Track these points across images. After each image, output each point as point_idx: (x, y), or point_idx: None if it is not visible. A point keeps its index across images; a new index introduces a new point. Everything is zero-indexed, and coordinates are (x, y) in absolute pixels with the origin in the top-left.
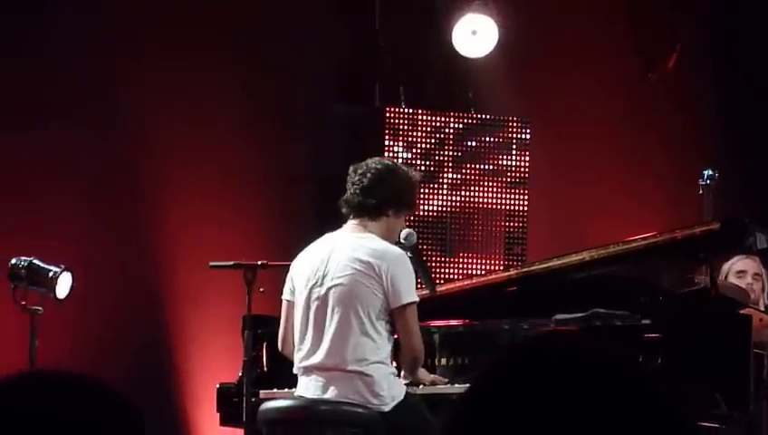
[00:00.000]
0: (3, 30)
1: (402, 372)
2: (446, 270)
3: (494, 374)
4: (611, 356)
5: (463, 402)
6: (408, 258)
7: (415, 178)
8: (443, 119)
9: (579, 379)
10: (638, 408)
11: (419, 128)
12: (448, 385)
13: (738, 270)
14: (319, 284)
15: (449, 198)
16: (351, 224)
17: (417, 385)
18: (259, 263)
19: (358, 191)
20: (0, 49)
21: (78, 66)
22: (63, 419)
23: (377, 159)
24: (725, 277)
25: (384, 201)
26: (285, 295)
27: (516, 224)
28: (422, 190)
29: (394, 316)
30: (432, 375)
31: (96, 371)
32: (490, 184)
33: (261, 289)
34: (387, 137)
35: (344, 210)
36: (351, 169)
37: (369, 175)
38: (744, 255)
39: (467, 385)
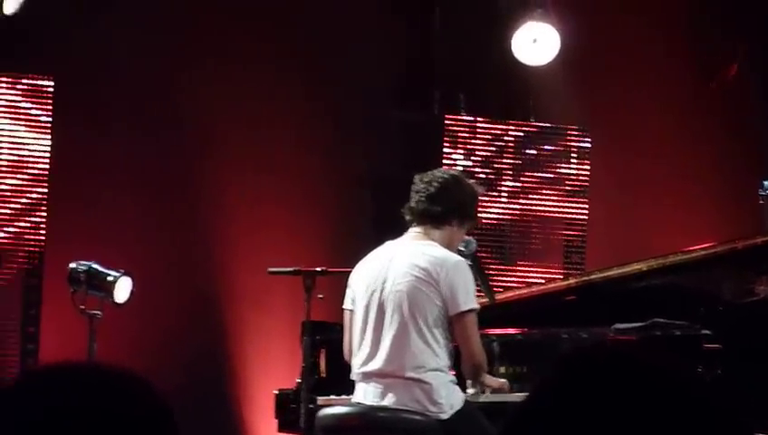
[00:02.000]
0: (65, 37)
1: (467, 381)
2: (505, 278)
3: (551, 383)
4: (670, 367)
5: (519, 412)
6: (468, 266)
7: (479, 191)
8: (502, 127)
9: (636, 389)
10: (697, 420)
11: (479, 136)
12: (507, 394)
13: None
14: (378, 290)
15: (508, 206)
16: (414, 231)
17: (484, 391)
18: (318, 269)
19: (423, 199)
20: (62, 56)
21: (139, 72)
22: (88, 412)
23: (443, 169)
24: None
25: (448, 210)
26: (346, 305)
27: (575, 233)
28: (481, 198)
29: (453, 324)
30: (499, 380)
31: (154, 375)
32: (549, 193)
33: (320, 295)
34: (446, 144)
35: (407, 218)
36: (417, 177)
37: (435, 184)
38: None
39: (525, 394)
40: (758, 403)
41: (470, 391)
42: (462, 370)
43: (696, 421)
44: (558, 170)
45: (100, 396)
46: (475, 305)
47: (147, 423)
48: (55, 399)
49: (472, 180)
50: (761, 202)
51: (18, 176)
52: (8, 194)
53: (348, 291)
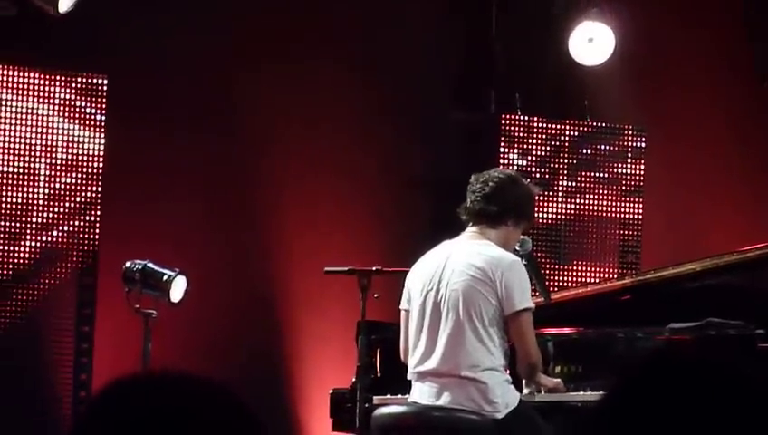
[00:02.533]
0: (119, 35)
1: (523, 382)
2: (560, 278)
3: (626, 388)
4: (747, 371)
5: (593, 415)
6: (523, 265)
7: (534, 192)
8: (558, 126)
9: (713, 394)
10: None
11: (535, 135)
12: (563, 393)
13: None
14: (434, 289)
15: (564, 205)
16: (470, 231)
17: (539, 390)
18: (374, 268)
19: (479, 198)
20: (116, 54)
21: (194, 70)
22: (187, 421)
23: (499, 169)
24: None
25: (505, 210)
26: (403, 305)
27: (631, 232)
28: (537, 198)
29: (508, 323)
30: (555, 380)
31: (209, 374)
32: (605, 192)
33: (375, 295)
34: (502, 144)
35: (464, 217)
36: (473, 177)
37: (491, 183)
38: None
39: (580, 393)
40: None
41: (525, 390)
42: (517, 369)
43: None
44: (613, 170)
45: (192, 405)
46: (531, 305)
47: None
48: (146, 409)
49: (528, 180)
50: None
51: (73, 174)
52: (62, 193)
53: (404, 291)
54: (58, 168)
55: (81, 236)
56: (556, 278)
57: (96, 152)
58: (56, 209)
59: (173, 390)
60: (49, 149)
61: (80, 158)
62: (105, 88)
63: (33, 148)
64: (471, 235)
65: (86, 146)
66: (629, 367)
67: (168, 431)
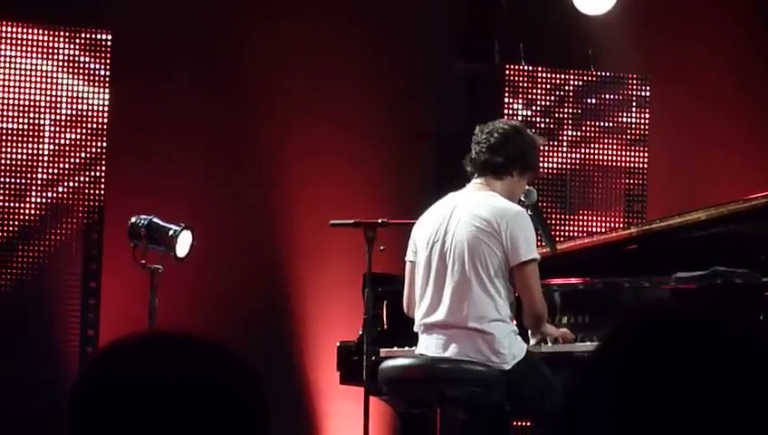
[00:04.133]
0: None
1: (529, 332)
2: (566, 228)
3: (617, 342)
4: (742, 327)
5: (584, 369)
6: (529, 216)
7: (539, 142)
8: (562, 76)
9: (704, 350)
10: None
11: (539, 85)
12: (569, 344)
13: None
14: (440, 241)
15: (569, 155)
16: (475, 183)
17: (546, 341)
18: (379, 221)
19: (484, 150)
20: (120, 9)
21: (198, 24)
22: (181, 381)
23: (503, 119)
24: None
25: (510, 160)
26: (408, 257)
27: (636, 181)
28: (542, 148)
29: (513, 274)
30: (560, 330)
31: (215, 329)
32: (610, 141)
33: (381, 247)
34: (506, 94)
35: (468, 169)
36: (478, 128)
37: (495, 134)
38: None
39: (588, 343)
40: None
41: (532, 341)
42: (523, 320)
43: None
44: (618, 119)
45: (193, 366)
46: (536, 256)
47: (239, 396)
48: (146, 369)
49: (532, 130)
50: None
51: (77, 130)
52: (68, 148)
53: (410, 243)
54: (63, 124)
55: (86, 191)
56: (562, 228)
57: (101, 108)
58: (61, 165)
59: (171, 351)
60: (53, 105)
61: (84, 113)
62: (109, 43)
63: (37, 104)
64: (476, 186)
65: (91, 101)
66: (622, 322)
67: (166, 394)
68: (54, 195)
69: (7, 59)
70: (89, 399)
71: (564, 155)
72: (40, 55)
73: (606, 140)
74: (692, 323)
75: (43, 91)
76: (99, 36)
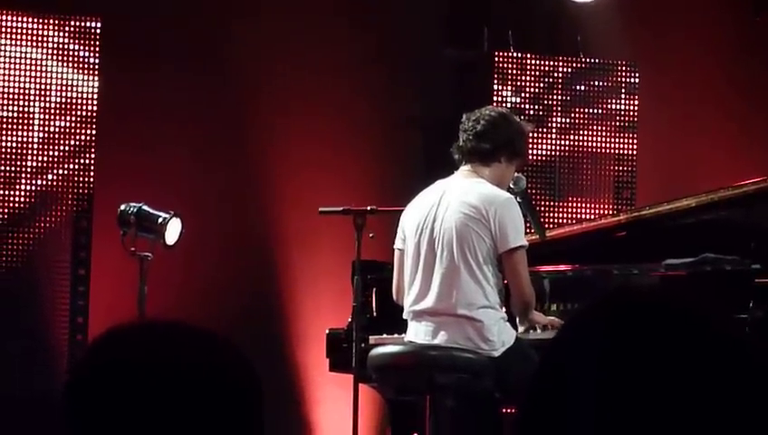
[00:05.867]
0: None
1: (517, 320)
2: (555, 214)
3: (576, 325)
4: (697, 309)
5: (546, 354)
6: (518, 203)
7: (527, 129)
8: (551, 63)
9: (659, 333)
10: (722, 366)
11: (528, 72)
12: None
13: None
14: (429, 228)
15: (558, 142)
16: (464, 170)
17: (534, 329)
18: (368, 208)
19: (471, 137)
20: (112, 0)
21: (187, 13)
22: (176, 369)
23: (490, 106)
24: None
25: (497, 147)
26: (397, 245)
27: (625, 168)
28: (531, 135)
29: (502, 261)
30: (548, 318)
31: (204, 316)
32: (599, 128)
33: (371, 234)
34: (495, 81)
35: (456, 157)
36: (465, 116)
37: (482, 121)
38: None
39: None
40: None
41: (520, 329)
42: (511, 307)
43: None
44: (607, 106)
45: (186, 354)
46: (525, 242)
47: (233, 383)
48: (140, 357)
49: (520, 117)
50: None
51: (67, 118)
52: (57, 136)
53: (398, 230)
54: (52, 111)
55: (76, 179)
56: (551, 215)
57: (90, 95)
58: (51, 153)
59: (165, 339)
60: (43, 92)
61: (74, 101)
62: (98, 31)
63: (27, 92)
64: (465, 173)
65: (80, 89)
66: (585, 304)
67: (160, 382)
68: (44, 182)
69: None
70: (84, 389)
71: (553, 142)
72: (29, 43)
73: (595, 127)
74: (657, 307)
75: (32, 79)
76: (88, 24)
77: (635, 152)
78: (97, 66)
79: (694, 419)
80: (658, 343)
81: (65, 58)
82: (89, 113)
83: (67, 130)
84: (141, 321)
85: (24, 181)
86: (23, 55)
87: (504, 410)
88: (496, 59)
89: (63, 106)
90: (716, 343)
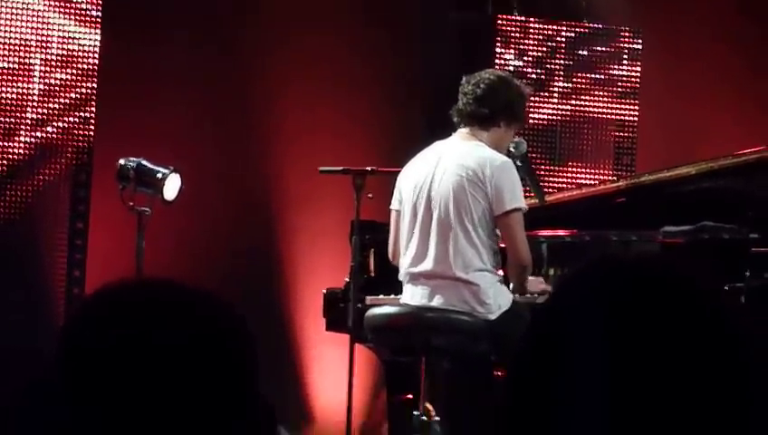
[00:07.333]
0: None
1: (511, 286)
2: (555, 179)
3: (564, 290)
4: (681, 275)
5: (536, 315)
6: (516, 167)
7: (526, 92)
8: (555, 27)
9: (643, 297)
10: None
11: (531, 36)
12: None
13: None
14: (426, 190)
15: (559, 107)
16: (462, 132)
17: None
18: (368, 169)
19: (471, 100)
20: None
21: None
22: (169, 327)
23: (490, 70)
24: None
25: (496, 111)
26: (393, 206)
27: (626, 134)
28: (532, 99)
29: (499, 224)
30: (542, 285)
31: (202, 273)
32: (600, 94)
33: (369, 195)
34: (498, 45)
35: (455, 120)
36: (464, 79)
37: (482, 85)
38: None
39: None
40: None
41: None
42: (508, 270)
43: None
44: (609, 71)
45: (181, 312)
46: (521, 205)
47: (227, 341)
48: (134, 315)
49: (520, 81)
50: None
51: (68, 70)
52: (57, 88)
53: (395, 192)
54: (53, 63)
55: (75, 132)
56: (551, 180)
57: (91, 48)
58: (51, 105)
59: (158, 297)
60: (44, 44)
61: (75, 54)
62: None
63: (28, 43)
64: (463, 135)
65: (81, 42)
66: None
67: (152, 340)
68: (44, 135)
69: None
70: (76, 343)
71: (555, 106)
72: None
73: (597, 93)
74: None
75: (33, 31)
76: None
77: (636, 119)
78: (99, 19)
79: (671, 380)
80: (645, 304)
81: (67, 10)
82: (90, 66)
83: (68, 83)
84: (136, 277)
85: (23, 133)
86: (24, 6)
87: (499, 374)
88: (499, 22)
89: (64, 58)
90: (700, 305)
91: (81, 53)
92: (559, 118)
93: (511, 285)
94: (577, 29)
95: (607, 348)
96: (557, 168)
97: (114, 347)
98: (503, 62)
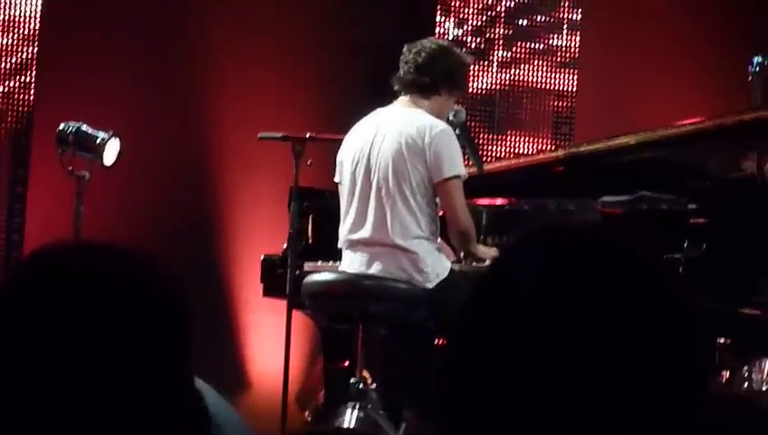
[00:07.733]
0: None
1: (461, 254)
2: (494, 148)
3: (505, 258)
4: (622, 243)
5: (475, 287)
6: (456, 135)
7: (468, 61)
8: None
9: (584, 265)
10: (644, 298)
11: (471, 5)
12: None
13: None
14: (365, 158)
15: (499, 76)
16: (403, 100)
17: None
18: (307, 135)
19: (412, 69)
20: None
21: None
22: (102, 287)
23: (432, 39)
24: None
25: (437, 80)
26: (336, 179)
27: (565, 104)
28: (472, 68)
29: (438, 191)
30: (494, 250)
31: (141, 237)
32: (540, 63)
33: (308, 162)
34: (438, 13)
35: (396, 87)
36: (406, 47)
37: (423, 54)
38: None
39: None
40: (742, 278)
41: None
42: (450, 238)
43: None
44: (549, 41)
45: (114, 272)
46: (461, 172)
47: (160, 301)
48: (68, 276)
49: (461, 50)
50: (750, 78)
51: (8, 35)
52: None
53: (338, 165)
54: None
55: (16, 96)
56: (490, 149)
57: (32, 13)
58: None
59: (93, 259)
60: None
61: (15, 18)
62: None
63: None
64: (403, 102)
65: (22, 7)
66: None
67: (86, 301)
68: None
69: None
70: (11, 306)
71: (494, 76)
72: None
73: (536, 62)
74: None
75: None
76: None
77: (575, 89)
78: None
79: (612, 348)
80: (586, 273)
81: None
82: (30, 31)
83: (8, 48)
84: (73, 240)
85: None
86: None
87: (438, 342)
88: None
89: (5, 23)
90: (641, 274)
91: (21, 18)
92: (498, 87)
93: (461, 254)
94: None
95: (547, 316)
96: (496, 136)
97: (49, 308)
98: (442, 30)
